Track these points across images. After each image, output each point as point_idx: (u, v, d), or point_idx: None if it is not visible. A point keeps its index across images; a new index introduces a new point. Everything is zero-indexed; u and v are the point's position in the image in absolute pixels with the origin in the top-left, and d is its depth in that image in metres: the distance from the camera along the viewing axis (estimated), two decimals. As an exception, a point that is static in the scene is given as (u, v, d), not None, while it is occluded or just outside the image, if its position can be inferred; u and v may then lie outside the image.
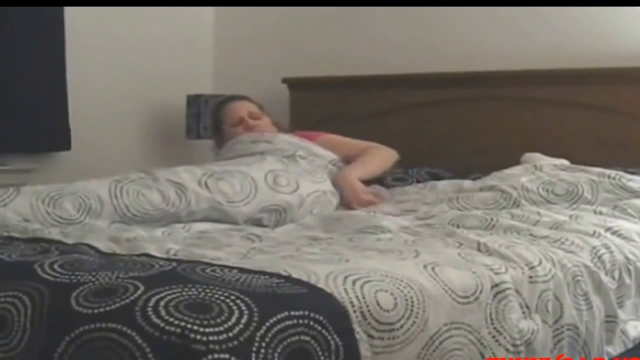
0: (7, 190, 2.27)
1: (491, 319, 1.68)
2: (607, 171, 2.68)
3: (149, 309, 1.31)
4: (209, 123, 3.49)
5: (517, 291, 1.77)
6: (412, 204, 2.66)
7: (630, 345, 2.06)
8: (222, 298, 1.35)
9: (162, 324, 1.28)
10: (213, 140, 3.40)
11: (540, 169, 2.75)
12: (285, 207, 2.54)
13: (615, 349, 2.01)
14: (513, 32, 3.45)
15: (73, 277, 1.48)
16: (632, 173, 2.75)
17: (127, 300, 1.34)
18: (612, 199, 2.57)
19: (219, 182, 2.52)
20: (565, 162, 2.94)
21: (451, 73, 3.48)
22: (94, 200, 2.31)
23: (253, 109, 3.19)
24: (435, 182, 2.93)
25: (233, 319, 1.29)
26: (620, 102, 3.16)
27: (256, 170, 2.63)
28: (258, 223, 2.49)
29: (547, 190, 2.59)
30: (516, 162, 2.98)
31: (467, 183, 2.81)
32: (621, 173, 2.67)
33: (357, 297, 1.48)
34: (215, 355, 1.24)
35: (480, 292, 1.68)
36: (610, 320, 2.01)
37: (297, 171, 2.71)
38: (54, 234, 2.05)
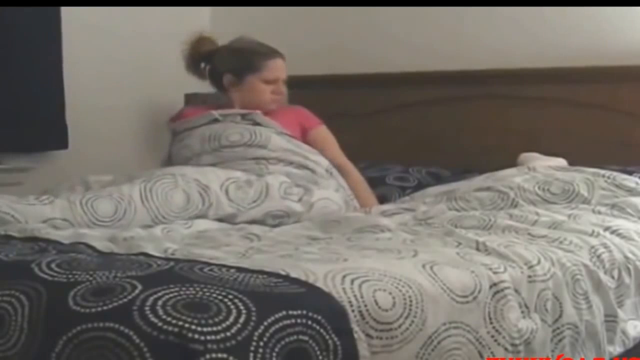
0: (44, 194, 2.31)
1: (490, 319, 1.68)
2: (602, 171, 2.68)
3: (147, 308, 1.31)
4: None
5: (516, 290, 1.76)
6: (411, 203, 2.66)
7: (631, 345, 2.06)
8: (220, 297, 1.34)
9: (160, 324, 1.27)
10: (209, 76, 3.14)
11: (534, 170, 2.75)
12: (290, 212, 2.54)
13: (615, 349, 2.01)
14: (512, 31, 3.45)
15: (70, 276, 1.47)
16: (631, 172, 2.75)
17: (125, 300, 1.34)
18: (609, 196, 2.57)
19: (239, 190, 2.54)
20: (562, 160, 2.93)
21: (450, 71, 3.48)
22: (127, 203, 2.33)
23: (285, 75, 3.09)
24: (421, 191, 2.89)
25: (231, 319, 1.29)
26: (619, 101, 3.16)
27: (272, 179, 2.64)
28: (261, 223, 2.49)
29: (544, 189, 2.59)
30: (515, 160, 2.97)
31: (457, 185, 2.78)
32: (615, 173, 2.67)
33: (355, 296, 1.48)
34: (213, 355, 1.23)
35: (479, 291, 1.68)
36: (610, 320, 2.01)
37: (304, 184, 2.70)
38: (52, 233, 2.05)
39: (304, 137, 3.02)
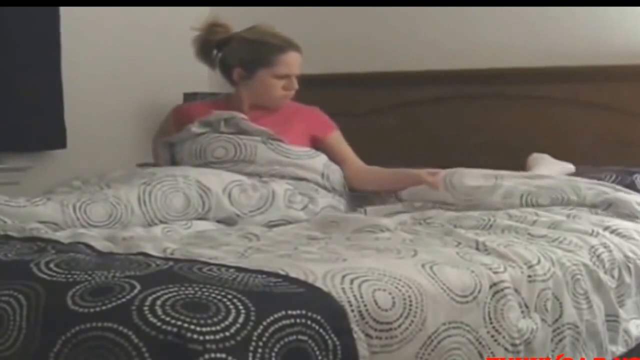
0: (37, 197, 2.29)
1: (490, 319, 1.67)
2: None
3: (146, 308, 1.30)
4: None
5: (516, 290, 1.76)
6: (404, 205, 2.65)
7: (633, 345, 2.06)
8: (219, 297, 1.34)
9: (159, 324, 1.27)
10: (218, 67, 2.97)
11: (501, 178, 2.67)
12: (293, 221, 2.51)
13: (618, 349, 2.01)
14: (514, 30, 3.44)
15: (69, 276, 1.47)
16: (632, 173, 2.74)
17: (124, 300, 1.34)
18: (599, 192, 2.54)
19: (242, 194, 2.51)
20: (570, 166, 2.90)
21: (451, 70, 3.47)
22: (123, 207, 2.31)
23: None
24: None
25: (230, 319, 1.29)
26: (622, 100, 3.15)
27: (277, 186, 2.60)
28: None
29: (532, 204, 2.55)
30: (516, 160, 2.96)
31: None
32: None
33: (354, 296, 1.47)
34: (212, 355, 1.23)
35: (479, 291, 1.68)
36: (612, 320, 2.00)
37: (307, 192, 2.68)
38: (51, 233, 2.04)
39: (317, 145, 2.92)
